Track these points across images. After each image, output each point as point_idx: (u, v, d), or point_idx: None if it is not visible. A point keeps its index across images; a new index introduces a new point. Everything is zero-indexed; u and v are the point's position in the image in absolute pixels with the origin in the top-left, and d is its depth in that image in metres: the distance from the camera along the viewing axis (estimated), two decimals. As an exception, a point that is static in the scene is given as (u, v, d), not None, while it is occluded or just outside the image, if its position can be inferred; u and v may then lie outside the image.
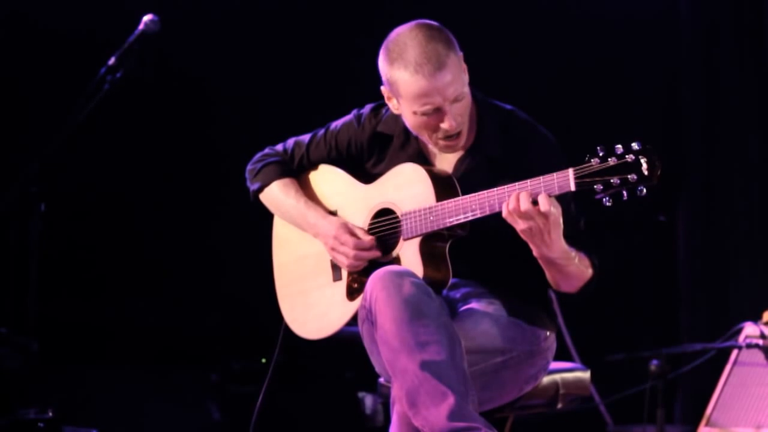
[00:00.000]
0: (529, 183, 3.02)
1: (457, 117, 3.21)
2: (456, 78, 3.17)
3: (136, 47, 3.96)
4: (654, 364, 4.66)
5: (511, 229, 3.06)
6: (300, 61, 5.69)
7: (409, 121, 3.27)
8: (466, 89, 3.23)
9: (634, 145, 2.92)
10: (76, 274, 5.47)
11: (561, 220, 3.03)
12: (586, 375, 3.58)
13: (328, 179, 3.53)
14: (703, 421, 4.60)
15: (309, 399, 5.32)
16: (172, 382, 5.35)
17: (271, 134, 3.73)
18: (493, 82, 3.57)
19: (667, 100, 5.93)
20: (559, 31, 5.75)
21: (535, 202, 3.00)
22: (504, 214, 3.04)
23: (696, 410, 5.08)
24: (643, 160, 2.90)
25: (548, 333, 3.35)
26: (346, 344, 3.46)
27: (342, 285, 3.40)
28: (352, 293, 3.36)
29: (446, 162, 3.34)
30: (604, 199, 2.95)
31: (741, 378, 4.57)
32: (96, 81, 3.96)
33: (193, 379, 5.39)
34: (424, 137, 3.30)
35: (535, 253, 3.10)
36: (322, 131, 3.53)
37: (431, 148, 3.35)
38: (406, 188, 3.29)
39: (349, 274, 3.39)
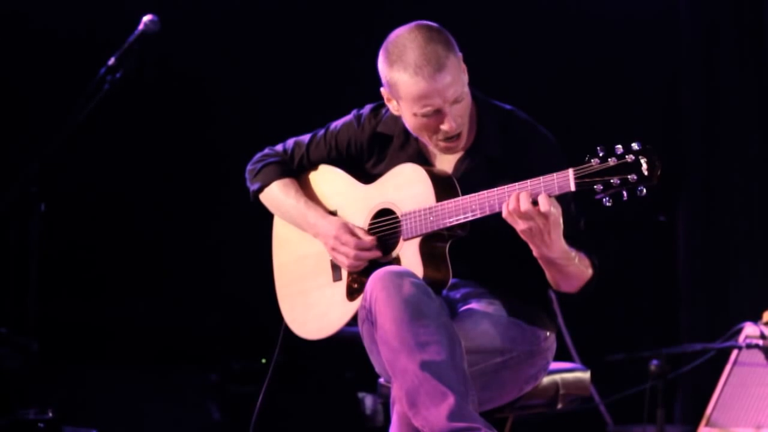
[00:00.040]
0: (529, 183, 3.02)
1: (457, 118, 3.21)
2: (456, 79, 3.17)
3: (136, 47, 3.96)
4: (654, 364, 4.66)
5: (511, 230, 3.06)
6: (300, 61, 5.69)
7: (409, 122, 3.27)
8: (466, 90, 3.23)
9: (634, 145, 2.92)
10: (76, 274, 5.47)
11: (561, 221, 3.03)
12: (586, 375, 3.58)
13: (328, 179, 3.53)
14: (703, 421, 4.60)
15: (309, 399, 5.33)
16: (172, 382, 5.35)
17: (271, 134, 3.73)
18: (493, 82, 3.57)
19: (667, 100, 5.92)
20: (559, 31, 5.75)
21: (535, 203, 3.00)
22: (504, 214, 3.04)
23: (696, 410, 5.08)
24: (643, 160, 2.90)
25: (548, 333, 3.35)
26: (346, 344, 3.45)
27: (342, 285, 3.40)
28: (352, 293, 3.36)
29: (446, 162, 3.34)
30: (604, 199, 2.95)
31: (741, 378, 4.57)
32: (96, 81, 3.96)
33: (193, 379, 5.39)
34: (425, 139, 3.30)
35: (535, 253, 3.10)
36: (322, 131, 3.53)
37: (431, 148, 3.35)
38: (406, 188, 3.29)
39: (349, 274, 3.39)
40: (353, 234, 3.35)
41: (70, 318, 5.37)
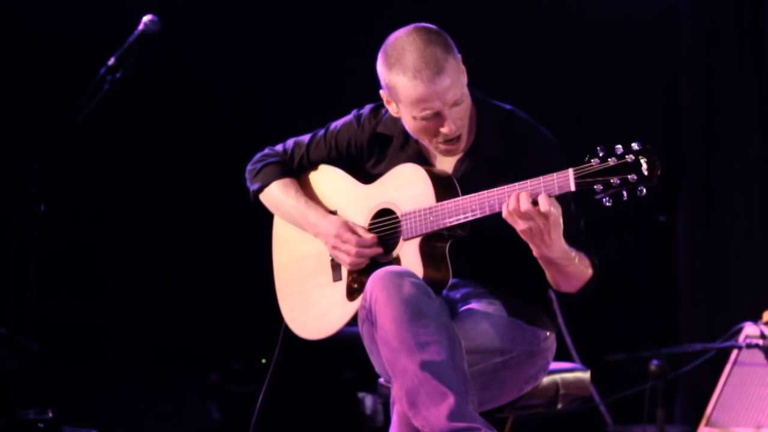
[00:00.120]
0: (529, 183, 3.02)
1: (457, 121, 3.20)
2: (455, 82, 3.17)
3: (136, 47, 3.96)
4: (654, 364, 4.67)
5: (511, 230, 3.06)
6: (300, 61, 5.69)
7: (409, 125, 3.27)
8: (465, 92, 3.23)
9: (634, 145, 2.92)
10: (76, 274, 5.47)
11: (561, 221, 3.03)
12: (586, 375, 3.58)
13: (328, 179, 3.53)
14: (703, 421, 4.60)
15: (309, 399, 5.33)
16: (172, 382, 5.35)
17: (271, 134, 3.73)
18: (493, 82, 3.56)
19: (667, 100, 5.92)
20: (560, 31, 5.75)
21: (535, 203, 3.00)
22: (504, 214, 3.04)
23: (696, 410, 5.09)
24: (643, 160, 2.90)
25: (548, 333, 3.35)
26: (346, 344, 3.46)
27: (342, 285, 3.40)
28: (352, 293, 3.36)
29: (446, 163, 3.34)
30: (604, 199, 2.95)
31: (741, 378, 4.58)
32: (96, 81, 3.96)
33: (193, 379, 5.39)
34: (425, 142, 3.30)
35: (535, 253, 3.10)
36: (321, 131, 3.53)
37: (431, 148, 3.35)
38: (406, 188, 3.29)
39: (349, 274, 3.39)
40: (354, 232, 3.35)
41: (70, 318, 5.37)
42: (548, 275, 3.20)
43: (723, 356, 4.68)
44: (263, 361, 5.27)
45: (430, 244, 3.23)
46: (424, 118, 3.20)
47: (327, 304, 3.42)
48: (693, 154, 5.79)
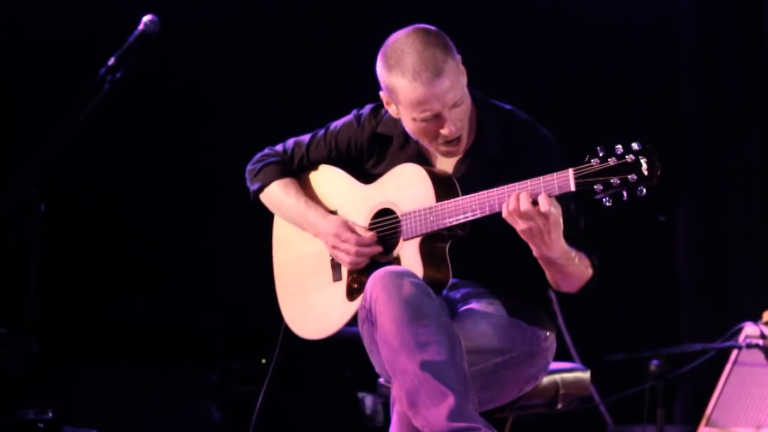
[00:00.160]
0: (529, 183, 3.02)
1: (457, 122, 3.20)
2: (454, 83, 3.16)
3: (136, 47, 3.96)
4: (654, 364, 4.66)
5: (511, 230, 3.05)
6: (300, 61, 5.69)
7: (409, 127, 3.27)
8: (465, 93, 3.22)
9: (634, 145, 2.92)
10: (76, 274, 5.47)
11: (561, 220, 3.03)
12: (586, 375, 3.58)
13: (328, 179, 3.53)
14: (703, 421, 4.60)
15: (309, 399, 5.32)
16: (172, 382, 5.35)
17: (271, 134, 3.73)
18: (493, 82, 3.56)
19: (667, 100, 5.92)
20: (560, 31, 5.75)
21: (535, 203, 3.00)
22: (504, 214, 3.04)
23: (696, 410, 5.08)
24: (643, 160, 2.90)
25: (548, 333, 3.35)
26: (346, 344, 3.45)
27: (342, 285, 3.40)
28: (352, 293, 3.36)
29: (446, 162, 3.34)
30: (604, 199, 2.95)
31: (741, 378, 4.57)
32: (96, 81, 3.96)
33: (193, 379, 5.39)
34: (425, 143, 3.30)
35: (535, 253, 3.10)
36: (322, 131, 3.53)
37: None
38: (406, 188, 3.29)
39: (349, 273, 3.39)
40: (353, 231, 3.35)
41: (70, 318, 5.37)
42: (548, 275, 3.20)
43: (723, 356, 4.68)
44: (263, 361, 5.27)
45: (430, 244, 3.23)
46: (424, 120, 3.19)
47: (327, 304, 3.42)
48: (693, 155, 5.79)
